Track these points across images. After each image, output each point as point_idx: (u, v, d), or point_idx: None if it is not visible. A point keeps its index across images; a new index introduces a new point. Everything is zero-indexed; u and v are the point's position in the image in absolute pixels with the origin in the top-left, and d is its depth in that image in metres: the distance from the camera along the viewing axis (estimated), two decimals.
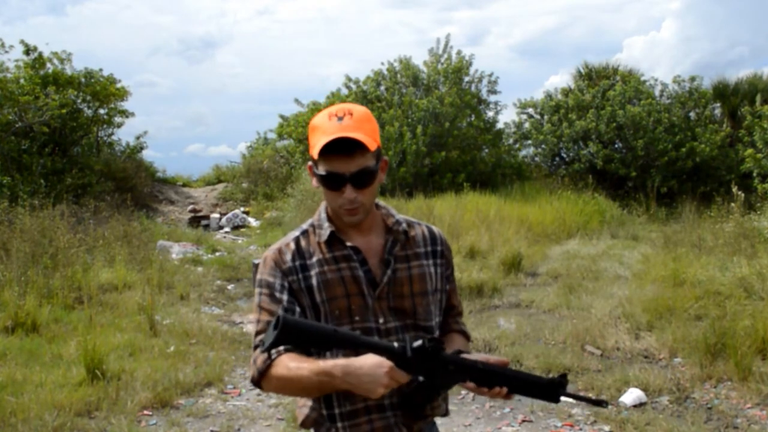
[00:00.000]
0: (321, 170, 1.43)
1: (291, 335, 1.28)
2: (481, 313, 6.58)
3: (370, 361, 1.30)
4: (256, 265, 5.64)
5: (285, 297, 1.46)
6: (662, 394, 4.29)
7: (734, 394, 4.22)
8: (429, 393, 1.38)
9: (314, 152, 1.40)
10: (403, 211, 1.67)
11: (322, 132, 1.41)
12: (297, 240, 1.53)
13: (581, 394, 1.58)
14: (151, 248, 9.28)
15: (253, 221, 14.44)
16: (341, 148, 1.39)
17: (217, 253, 10.26)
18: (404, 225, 1.56)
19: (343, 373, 1.31)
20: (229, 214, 14.67)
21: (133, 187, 14.57)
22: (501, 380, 1.42)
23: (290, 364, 1.39)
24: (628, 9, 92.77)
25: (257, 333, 1.48)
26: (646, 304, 5.88)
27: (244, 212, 15.02)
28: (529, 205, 11.90)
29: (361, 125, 1.42)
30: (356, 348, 1.32)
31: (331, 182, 1.43)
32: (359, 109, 1.46)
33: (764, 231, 8.12)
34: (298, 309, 1.46)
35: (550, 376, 1.53)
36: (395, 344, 1.33)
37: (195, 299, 7.22)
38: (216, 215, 14.80)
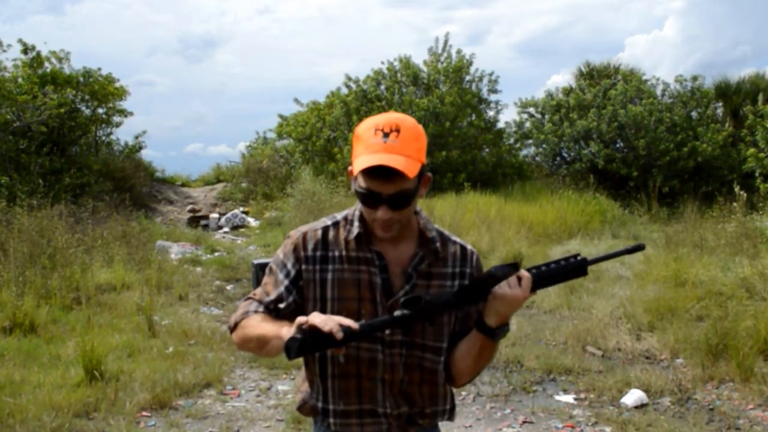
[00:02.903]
0: (359, 185, 1.40)
1: (305, 352, 1.28)
2: None
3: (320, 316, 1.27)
4: (256, 266, 5.58)
5: (286, 282, 1.49)
6: (664, 395, 4.27)
7: (736, 395, 4.20)
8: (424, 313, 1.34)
9: (354, 169, 1.37)
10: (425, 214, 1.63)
11: (366, 147, 1.36)
12: (326, 230, 1.51)
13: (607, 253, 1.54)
14: (149, 248, 9.25)
15: (252, 221, 14.42)
16: (381, 171, 1.34)
17: (216, 254, 10.23)
18: (438, 243, 1.51)
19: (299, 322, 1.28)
20: (229, 214, 14.65)
21: (132, 186, 14.55)
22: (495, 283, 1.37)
23: (257, 322, 1.44)
24: (630, 8, 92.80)
25: (251, 294, 1.56)
26: (648, 304, 5.85)
27: (243, 212, 15.00)
28: (530, 205, 11.87)
29: (406, 146, 1.36)
30: (360, 337, 1.32)
31: (368, 200, 1.40)
32: (407, 126, 1.38)
33: (766, 231, 8.09)
34: (291, 299, 1.47)
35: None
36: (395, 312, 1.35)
37: (194, 300, 7.19)
38: (215, 215, 14.78)
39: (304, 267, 1.47)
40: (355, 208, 1.52)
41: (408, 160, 1.34)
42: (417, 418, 1.52)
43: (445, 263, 1.52)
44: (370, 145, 1.36)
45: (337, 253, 1.47)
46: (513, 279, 1.36)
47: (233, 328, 1.52)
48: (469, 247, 1.58)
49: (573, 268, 1.44)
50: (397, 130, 1.37)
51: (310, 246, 1.48)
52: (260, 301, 1.51)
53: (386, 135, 1.36)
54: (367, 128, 1.40)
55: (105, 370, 4.50)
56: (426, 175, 1.45)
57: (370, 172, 1.35)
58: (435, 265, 1.50)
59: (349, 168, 1.43)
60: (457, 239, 1.58)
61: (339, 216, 1.54)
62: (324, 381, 1.50)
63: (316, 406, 1.52)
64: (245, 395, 4.50)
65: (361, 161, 1.35)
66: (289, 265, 1.49)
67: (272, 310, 1.49)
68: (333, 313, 1.42)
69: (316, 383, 1.53)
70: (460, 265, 1.53)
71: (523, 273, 1.37)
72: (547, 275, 1.42)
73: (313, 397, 1.53)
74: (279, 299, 1.49)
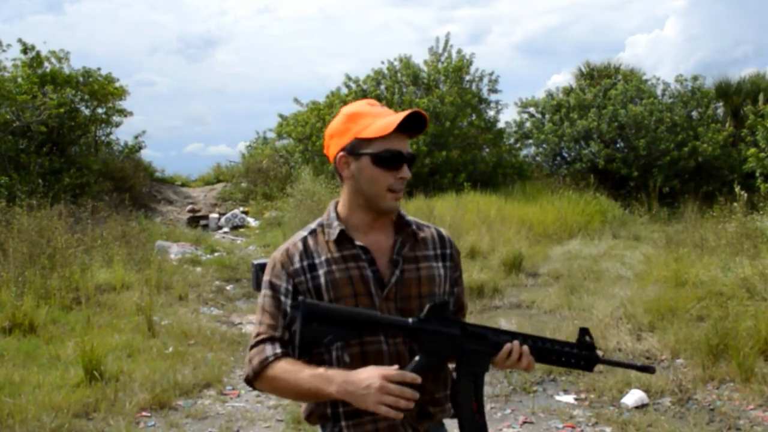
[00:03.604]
0: (376, 149, 1.44)
1: (316, 318, 1.34)
2: (482, 313, 6.54)
3: (367, 371, 1.32)
4: (256, 266, 5.54)
5: (288, 301, 1.47)
6: (664, 396, 4.26)
7: (737, 395, 4.19)
8: (467, 383, 1.39)
9: (381, 129, 1.42)
10: (401, 208, 1.68)
11: (375, 115, 1.45)
12: (305, 239, 1.52)
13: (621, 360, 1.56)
14: (149, 248, 9.25)
15: (252, 221, 14.41)
16: (409, 126, 1.44)
17: (216, 254, 10.23)
18: (414, 226, 1.56)
19: (342, 380, 1.33)
20: (228, 214, 14.65)
21: (132, 186, 14.56)
22: (522, 340, 1.43)
23: (289, 366, 1.40)
24: (632, 7, 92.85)
25: (257, 334, 1.48)
26: (648, 304, 5.84)
27: (243, 212, 15.00)
28: (530, 205, 11.87)
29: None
30: (374, 328, 1.38)
31: (391, 161, 1.45)
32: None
33: (767, 231, 8.09)
34: (305, 342, 1.44)
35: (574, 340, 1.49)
36: (409, 320, 1.39)
37: (194, 300, 7.19)
38: (215, 215, 14.78)
39: (296, 280, 1.47)
40: (328, 212, 1.54)
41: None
42: (428, 407, 1.49)
43: (426, 245, 1.56)
44: (378, 113, 1.46)
45: (323, 258, 1.48)
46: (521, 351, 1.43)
47: (254, 378, 1.46)
48: (443, 230, 1.64)
49: (580, 360, 1.47)
50: (381, 105, 1.51)
51: (295, 259, 1.49)
52: (272, 340, 1.46)
53: (381, 106, 1.49)
54: (360, 105, 1.50)
55: (104, 371, 4.50)
56: None
57: (397, 130, 1.41)
58: (417, 249, 1.54)
59: (341, 154, 1.48)
60: (430, 224, 1.64)
61: (313, 224, 1.56)
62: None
63: (324, 413, 1.49)
64: (245, 395, 4.49)
65: (386, 121, 1.43)
66: (284, 285, 1.48)
67: (287, 343, 1.46)
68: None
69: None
70: (440, 247, 1.58)
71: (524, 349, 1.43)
72: (552, 356, 1.45)
73: (321, 404, 1.50)
74: (291, 322, 1.46)
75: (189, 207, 15.70)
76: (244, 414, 4.15)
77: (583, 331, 1.47)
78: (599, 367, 4.94)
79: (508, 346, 1.41)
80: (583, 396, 4.35)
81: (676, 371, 4.66)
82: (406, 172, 1.46)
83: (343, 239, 1.49)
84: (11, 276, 6.40)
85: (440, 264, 1.56)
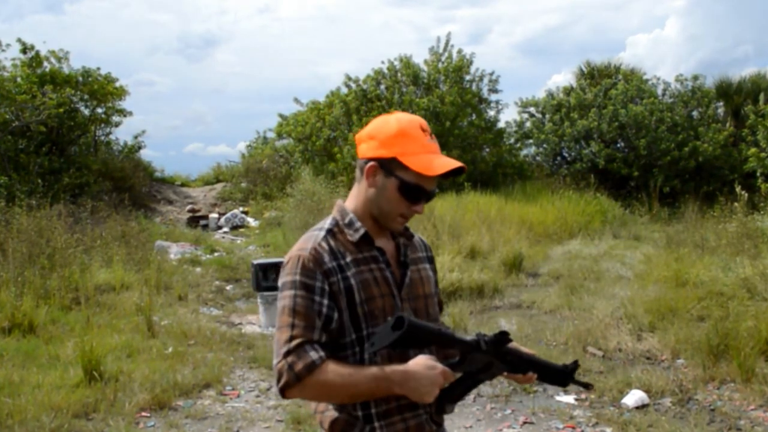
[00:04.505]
0: (409, 179, 1.46)
1: (413, 337, 1.34)
2: (482, 313, 6.53)
3: (423, 364, 1.38)
4: (256, 266, 5.53)
5: (325, 302, 1.43)
6: (665, 396, 4.25)
7: (737, 395, 4.19)
8: (470, 384, 1.47)
9: (426, 167, 1.44)
10: None
11: (422, 147, 1.47)
12: (326, 240, 1.50)
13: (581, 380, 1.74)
14: (149, 248, 9.24)
15: (252, 221, 14.41)
16: (444, 174, 1.46)
17: (216, 254, 10.22)
18: (408, 230, 1.62)
19: (402, 378, 1.36)
20: (228, 214, 14.64)
21: (131, 186, 14.55)
22: (532, 367, 1.58)
23: (341, 369, 1.39)
24: (632, 7, 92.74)
25: (291, 338, 1.40)
26: (649, 304, 5.84)
27: (243, 212, 14.99)
28: (531, 205, 11.86)
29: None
30: (452, 346, 1.45)
31: (415, 195, 1.48)
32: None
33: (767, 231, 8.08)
34: (336, 315, 1.44)
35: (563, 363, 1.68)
36: (482, 343, 1.46)
37: (193, 300, 7.18)
38: (215, 215, 14.77)
39: (332, 280, 1.44)
40: (342, 212, 1.54)
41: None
42: (446, 400, 1.49)
43: (416, 249, 1.64)
44: (426, 146, 1.48)
45: (349, 259, 1.48)
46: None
47: (295, 384, 1.39)
48: (417, 234, 1.73)
49: (555, 373, 1.64)
50: (433, 134, 1.52)
51: (326, 258, 1.46)
52: (311, 343, 1.40)
53: (432, 137, 1.50)
54: (414, 127, 1.49)
55: (104, 371, 4.49)
56: None
57: (442, 174, 1.45)
58: (412, 252, 1.62)
59: (371, 164, 1.49)
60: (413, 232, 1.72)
61: (327, 224, 1.53)
62: None
63: (351, 419, 1.47)
64: (245, 396, 4.49)
65: (431, 160, 1.46)
66: (318, 284, 1.43)
67: (324, 346, 1.42)
68: (365, 314, 1.46)
69: None
70: (426, 250, 1.68)
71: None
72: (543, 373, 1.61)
73: (346, 410, 1.47)
74: (328, 321, 1.43)
75: (189, 207, 15.69)
76: (243, 414, 4.14)
77: (574, 363, 1.68)
78: (600, 367, 4.88)
79: (529, 375, 1.57)
80: (583, 396, 4.35)
81: (676, 371, 4.65)
82: (421, 209, 1.52)
83: (363, 241, 1.51)
84: (11, 276, 6.39)
85: (428, 266, 1.65)
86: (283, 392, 1.41)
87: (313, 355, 1.39)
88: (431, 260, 1.69)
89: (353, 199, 1.55)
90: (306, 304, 1.42)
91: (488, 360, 1.47)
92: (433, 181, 1.49)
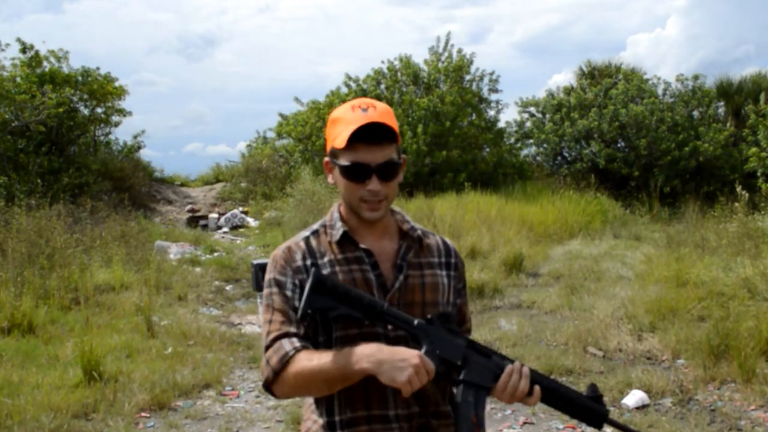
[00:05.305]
0: (344, 161, 1.39)
1: (324, 290, 1.30)
2: (482, 314, 6.53)
3: (401, 347, 1.29)
4: (255, 266, 5.50)
5: (297, 296, 1.40)
6: (665, 396, 4.24)
7: (738, 396, 4.18)
8: (441, 381, 1.36)
9: (340, 141, 1.37)
10: (403, 210, 1.65)
11: (347, 122, 1.38)
12: (307, 239, 1.48)
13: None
14: (148, 248, 9.23)
15: (251, 221, 14.40)
16: (369, 136, 1.37)
17: (216, 254, 10.21)
18: (419, 232, 1.52)
19: (372, 351, 1.27)
20: (228, 214, 14.63)
21: (131, 186, 14.54)
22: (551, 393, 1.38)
23: (311, 356, 1.33)
24: (633, 6, 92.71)
25: (268, 333, 1.40)
26: (649, 305, 5.83)
27: (242, 212, 14.98)
28: (531, 205, 11.85)
29: (385, 116, 1.41)
30: (378, 317, 1.33)
31: (356, 173, 1.39)
32: (382, 104, 1.45)
33: None
34: (309, 311, 1.37)
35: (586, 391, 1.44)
36: (415, 320, 1.34)
37: (193, 300, 7.17)
38: (214, 215, 14.76)
39: (299, 278, 1.41)
40: (332, 212, 1.51)
41: (391, 125, 1.39)
42: (432, 420, 1.43)
43: (431, 252, 1.52)
44: (351, 119, 1.38)
45: (326, 259, 1.44)
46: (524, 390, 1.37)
47: (274, 379, 1.37)
48: (448, 240, 1.61)
49: (587, 411, 1.41)
50: (374, 106, 1.41)
51: (298, 257, 1.44)
52: (287, 335, 1.38)
53: (364, 110, 1.40)
54: (344, 109, 1.43)
55: (103, 371, 4.48)
56: (403, 157, 1.48)
57: (358, 139, 1.35)
58: (422, 255, 1.50)
59: (325, 160, 1.46)
60: (435, 233, 1.60)
61: (316, 225, 1.52)
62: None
63: (319, 427, 1.43)
64: (244, 396, 4.48)
65: (345, 130, 1.37)
66: (290, 281, 1.42)
67: (303, 338, 1.38)
68: (336, 319, 1.38)
69: (322, 399, 1.44)
70: (445, 256, 1.54)
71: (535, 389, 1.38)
72: (558, 398, 1.40)
73: (316, 420, 1.44)
74: (303, 315, 1.39)
75: (188, 207, 15.68)
76: (243, 414, 4.13)
77: (593, 387, 1.44)
78: (600, 367, 4.85)
79: (509, 367, 1.36)
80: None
81: (677, 372, 4.64)
82: (374, 185, 1.39)
83: (346, 241, 1.45)
84: (10, 276, 6.38)
85: (444, 272, 1.52)
86: (267, 389, 1.40)
87: (287, 346, 1.36)
88: (450, 266, 1.54)
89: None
90: (280, 299, 1.41)
91: (456, 351, 1.33)
92: (374, 150, 1.37)
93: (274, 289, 1.42)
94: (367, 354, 1.27)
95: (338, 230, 1.46)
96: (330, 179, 1.49)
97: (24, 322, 5.53)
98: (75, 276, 6.94)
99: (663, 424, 3.80)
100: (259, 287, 6.49)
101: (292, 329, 1.38)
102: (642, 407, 4.09)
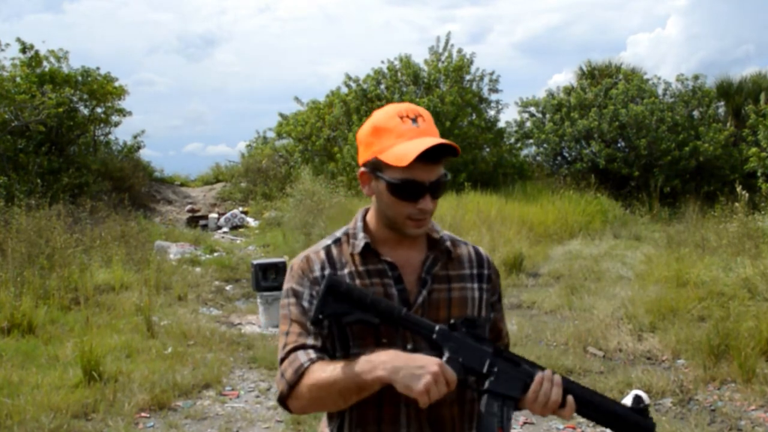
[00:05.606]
0: (394, 177, 1.28)
1: (338, 295, 1.24)
2: None
3: (419, 354, 1.20)
4: (255, 266, 5.50)
5: (313, 308, 1.32)
6: (665, 396, 4.24)
7: (738, 396, 4.18)
8: (467, 404, 1.28)
9: (398, 159, 1.25)
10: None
11: (399, 135, 1.28)
12: (328, 249, 1.40)
13: None
14: (148, 248, 9.23)
15: (251, 221, 14.40)
16: (429, 155, 1.26)
17: (216, 254, 10.21)
18: (448, 242, 1.43)
19: (388, 357, 1.19)
20: (228, 214, 14.63)
21: (131, 186, 14.54)
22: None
23: (326, 367, 1.26)
24: (633, 6, 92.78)
25: (285, 345, 1.33)
26: (649, 305, 5.83)
27: (242, 212, 14.98)
28: (531, 205, 11.85)
29: (435, 130, 1.32)
30: (395, 322, 1.25)
31: (409, 192, 1.29)
32: (425, 111, 1.35)
33: None
34: (326, 323, 1.32)
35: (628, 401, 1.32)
36: (437, 326, 1.25)
37: (193, 300, 7.17)
38: (214, 215, 14.76)
39: (317, 289, 1.33)
40: (355, 221, 1.42)
41: (454, 145, 1.29)
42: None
43: (461, 264, 1.42)
44: (404, 132, 1.29)
45: (346, 271, 1.36)
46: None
47: (289, 392, 1.30)
48: (481, 249, 1.50)
49: (630, 426, 1.27)
50: (422, 116, 1.32)
51: (316, 267, 1.36)
52: (303, 347, 1.31)
53: (414, 121, 1.30)
54: (389, 117, 1.32)
55: (103, 371, 4.48)
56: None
57: (418, 159, 1.24)
58: (451, 267, 1.40)
59: (361, 170, 1.36)
60: (468, 241, 1.50)
61: (338, 233, 1.44)
62: (342, 410, 1.36)
63: None
64: (244, 396, 4.48)
65: (405, 148, 1.26)
66: (307, 291, 1.35)
67: (320, 350, 1.32)
68: (352, 332, 1.32)
69: (335, 416, 1.39)
70: (477, 267, 1.44)
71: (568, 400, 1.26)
72: (596, 410, 1.28)
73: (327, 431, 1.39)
74: (315, 321, 1.31)
75: (188, 207, 15.68)
76: (243, 415, 4.13)
77: (638, 398, 1.31)
78: (600, 367, 4.84)
79: (539, 375, 1.25)
80: None
81: (677, 372, 4.64)
82: (426, 204, 1.30)
83: (369, 252, 1.36)
84: (10, 276, 6.38)
85: (476, 285, 1.41)
86: (282, 404, 1.33)
87: (302, 358, 1.29)
88: (483, 278, 1.43)
89: (371, 210, 1.41)
90: (298, 310, 1.34)
91: (481, 358, 1.23)
92: (427, 169, 1.28)
93: (292, 300, 1.36)
94: (383, 360, 1.19)
95: (360, 241, 1.37)
96: (366, 191, 1.37)
97: (24, 322, 5.52)
98: (75, 276, 6.94)
99: (663, 424, 3.79)
100: (258, 287, 6.49)
101: (309, 341, 1.32)
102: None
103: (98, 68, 14.36)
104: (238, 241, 12.28)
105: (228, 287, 8.16)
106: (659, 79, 15.99)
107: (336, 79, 42.59)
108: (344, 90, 15.70)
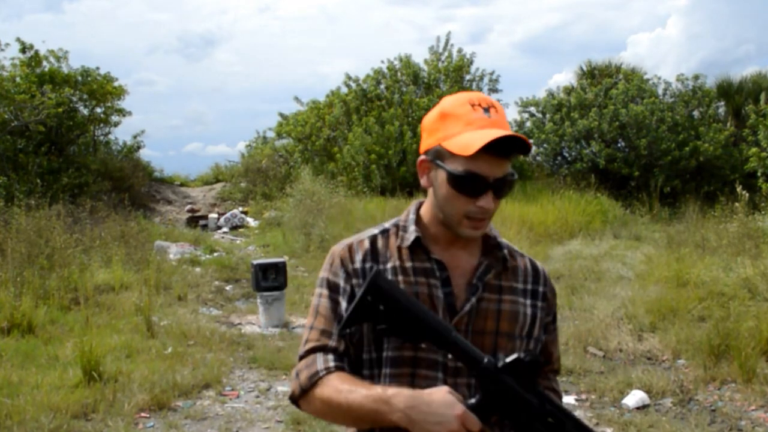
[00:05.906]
0: (457, 167, 1.18)
1: (380, 298, 1.12)
2: None
3: (440, 397, 1.09)
4: (255, 266, 5.52)
5: (344, 304, 1.24)
6: (665, 396, 4.24)
7: (738, 396, 4.18)
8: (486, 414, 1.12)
9: (464, 148, 1.15)
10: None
11: (467, 123, 1.18)
12: (374, 239, 1.30)
13: None
14: (148, 248, 9.22)
15: (251, 221, 14.39)
16: (497, 147, 1.15)
17: (215, 254, 10.20)
18: (506, 251, 1.31)
19: (406, 405, 1.09)
20: (228, 214, 14.62)
21: (131, 186, 14.53)
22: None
23: (341, 385, 1.17)
24: (633, 6, 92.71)
25: (306, 341, 1.25)
26: (649, 305, 5.83)
27: (242, 212, 14.97)
28: (531, 205, 11.84)
29: (506, 122, 1.22)
30: (442, 344, 1.14)
31: (471, 186, 1.18)
32: (498, 103, 1.25)
33: None
34: (349, 330, 1.24)
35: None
36: (485, 357, 1.12)
37: (193, 300, 7.17)
38: (214, 215, 14.75)
39: (354, 282, 1.24)
40: (408, 212, 1.33)
41: (525, 139, 1.18)
42: None
43: (516, 276, 1.31)
44: (474, 120, 1.18)
45: (389, 265, 1.25)
46: None
47: (301, 396, 1.23)
48: (539, 263, 1.38)
49: None
50: (495, 107, 1.22)
51: (357, 257, 1.26)
52: (324, 349, 1.23)
53: (486, 110, 1.20)
54: (459, 104, 1.22)
55: (103, 371, 4.47)
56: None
57: (485, 150, 1.13)
58: (505, 277, 1.29)
59: (422, 158, 1.26)
60: (525, 253, 1.38)
61: (387, 224, 1.34)
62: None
63: None
64: (244, 396, 4.47)
65: (472, 137, 1.15)
66: (342, 283, 1.25)
67: (342, 355, 1.23)
68: (389, 339, 1.22)
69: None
70: (532, 282, 1.33)
71: None
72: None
73: None
74: (343, 330, 1.24)
75: (188, 207, 15.67)
76: (243, 415, 4.13)
77: None
78: (601, 367, 4.86)
79: None
80: (584, 397, 4.33)
81: (677, 372, 4.64)
82: (488, 202, 1.18)
83: (418, 248, 1.26)
84: (10, 276, 6.37)
85: (528, 301, 1.30)
86: (293, 403, 1.26)
87: (320, 364, 1.21)
88: (537, 295, 1.32)
89: (425, 203, 1.32)
90: (328, 305, 1.25)
91: (520, 408, 1.09)
92: (494, 163, 1.16)
93: (324, 291, 1.27)
94: (401, 408, 1.09)
95: (411, 234, 1.26)
96: (424, 181, 1.27)
97: (24, 322, 5.52)
98: (75, 276, 6.93)
99: (663, 424, 3.79)
100: (258, 287, 6.49)
101: (331, 343, 1.23)
102: (642, 407, 4.09)
103: (98, 68, 14.35)
104: (238, 241, 12.27)
105: (228, 287, 8.15)
106: (659, 79, 15.99)
107: (336, 79, 42.56)
108: (344, 90, 15.70)
